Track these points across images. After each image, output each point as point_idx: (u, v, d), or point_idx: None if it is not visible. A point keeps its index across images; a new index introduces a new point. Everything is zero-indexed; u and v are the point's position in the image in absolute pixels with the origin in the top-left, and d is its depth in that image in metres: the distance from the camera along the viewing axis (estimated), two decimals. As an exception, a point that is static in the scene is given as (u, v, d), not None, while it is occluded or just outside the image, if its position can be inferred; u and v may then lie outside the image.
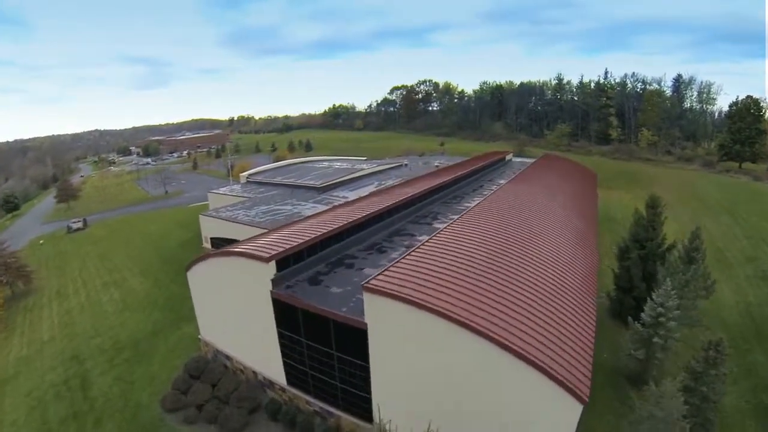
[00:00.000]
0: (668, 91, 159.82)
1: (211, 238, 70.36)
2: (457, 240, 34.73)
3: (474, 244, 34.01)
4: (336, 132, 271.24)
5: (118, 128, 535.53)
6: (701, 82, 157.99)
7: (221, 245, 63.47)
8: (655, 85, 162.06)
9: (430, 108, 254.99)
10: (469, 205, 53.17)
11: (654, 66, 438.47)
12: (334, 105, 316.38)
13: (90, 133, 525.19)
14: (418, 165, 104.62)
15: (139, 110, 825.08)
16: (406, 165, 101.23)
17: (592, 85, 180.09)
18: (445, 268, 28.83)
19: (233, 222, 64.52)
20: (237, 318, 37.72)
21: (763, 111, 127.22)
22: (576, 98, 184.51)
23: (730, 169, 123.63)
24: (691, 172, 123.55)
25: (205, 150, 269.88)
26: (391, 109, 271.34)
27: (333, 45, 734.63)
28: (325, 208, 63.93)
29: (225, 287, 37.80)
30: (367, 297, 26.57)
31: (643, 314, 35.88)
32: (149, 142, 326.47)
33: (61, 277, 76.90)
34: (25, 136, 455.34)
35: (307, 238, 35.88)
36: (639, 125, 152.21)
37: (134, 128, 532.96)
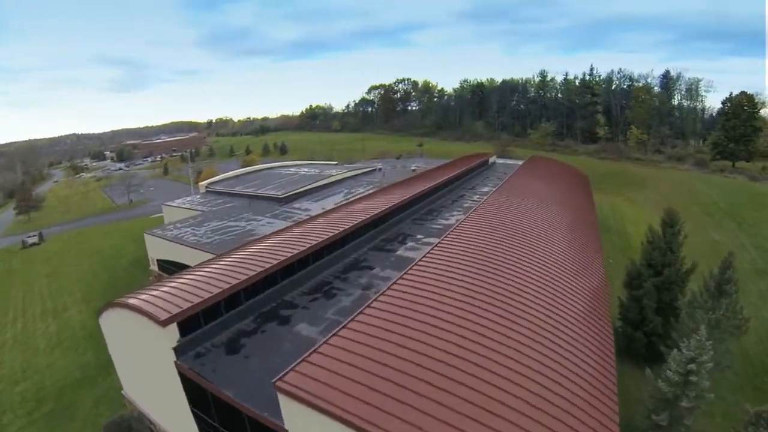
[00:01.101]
0: (656, 88, 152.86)
1: (158, 260, 61.07)
2: (422, 292, 25.38)
3: (446, 299, 24.51)
4: (313, 133, 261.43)
5: (96, 131, 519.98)
6: (689, 79, 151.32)
7: (168, 268, 56.54)
8: (643, 82, 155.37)
9: (409, 107, 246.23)
10: (446, 222, 44.54)
11: (633, 64, 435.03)
12: (311, 106, 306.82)
13: (67, 137, 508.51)
14: (394, 169, 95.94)
15: (118, 113, 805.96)
16: (379, 169, 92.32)
17: (577, 82, 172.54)
18: (400, 349, 19.89)
19: (177, 243, 55.27)
20: (152, 381, 28.88)
21: (758, 108, 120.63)
22: (560, 96, 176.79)
23: (724, 168, 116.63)
24: (684, 173, 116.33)
25: (179, 154, 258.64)
26: (369, 109, 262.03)
27: (312, 45, 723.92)
28: (282, 224, 55.51)
29: (135, 345, 29.03)
30: (282, 399, 17.72)
31: (669, 371, 27.08)
32: (123, 147, 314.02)
33: (2, 302, 68.27)
34: (1, 141, 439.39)
35: (228, 286, 26.74)
36: (627, 123, 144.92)
37: (113, 131, 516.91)
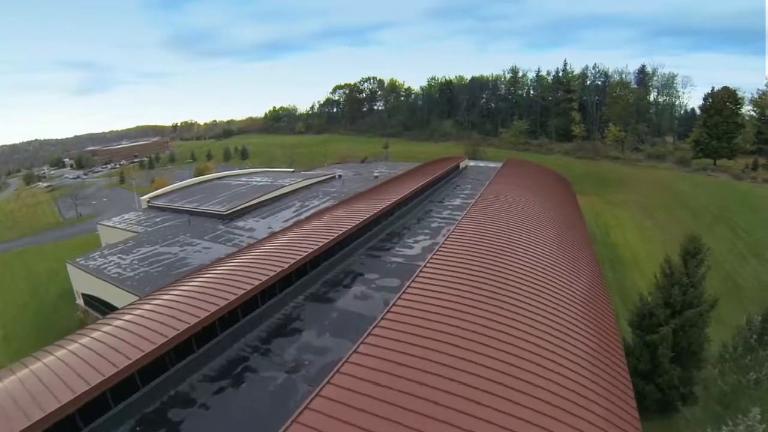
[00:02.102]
0: (633, 84, 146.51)
1: (83, 294, 51.46)
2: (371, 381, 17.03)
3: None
4: (276, 136, 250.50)
5: (59, 137, 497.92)
6: (665, 74, 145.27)
7: (94, 305, 48.59)
8: (617, 77, 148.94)
9: (376, 107, 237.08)
10: (409, 252, 35.62)
11: (602, 61, 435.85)
12: (274, 108, 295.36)
13: (29, 143, 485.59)
14: (355, 175, 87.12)
15: (81, 117, 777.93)
16: (339, 177, 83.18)
17: (550, 78, 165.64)
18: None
19: (97, 277, 45.84)
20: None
21: (741, 104, 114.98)
22: (533, 93, 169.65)
23: (706, 167, 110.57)
24: (665, 172, 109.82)
25: (139, 160, 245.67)
26: (335, 109, 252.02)
27: (277, 46, 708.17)
28: (221, 249, 47.68)
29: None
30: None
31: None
32: (82, 153, 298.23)
33: None
34: None
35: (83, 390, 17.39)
36: (604, 121, 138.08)
37: (76, 137, 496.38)
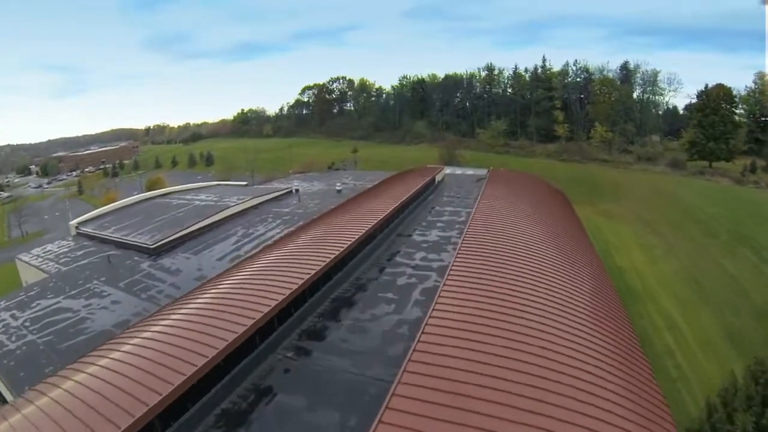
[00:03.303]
0: (617, 81, 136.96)
1: None
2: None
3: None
4: (244, 140, 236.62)
5: (32, 142, 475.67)
6: (648, 71, 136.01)
7: None
8: (599, 74, 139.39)
9: (346, 107, 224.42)
10: (357, 345, 23.34)
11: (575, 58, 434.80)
12: (242, 110, 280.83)
13: (1, 148, 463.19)
14: (314, 188, 75.44)
15: (56, 121, 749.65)
16: (296, 191, 70.97)
17: (528, 75, 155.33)
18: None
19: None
20: None
21: (736, 103, 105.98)
22: (510, 90, 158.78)
23: (702, 170, 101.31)
24: (660, 176, 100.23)
25: (106, 167, 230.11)
26: (304, 111, 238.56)
27: (253, 47, 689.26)
28: (130, 305, 36.91)
29: None
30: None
31: None
32: (48, 160, 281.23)
33: None
34: None
35: None
36: (589, 120, 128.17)
37: (49, 141, 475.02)
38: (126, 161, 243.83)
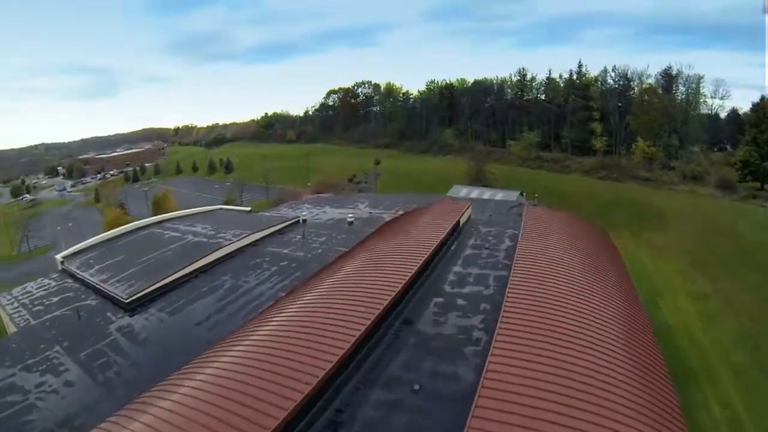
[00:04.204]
0: (659, 88, 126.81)
1: None
2: None
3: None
4: (266, 145, 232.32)
5: (65, 141, 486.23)
6: (690, 76, 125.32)
7: None
8: (637, 80, 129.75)
9: (373, 110, 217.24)
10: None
11: (599, 60, 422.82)
12: (266, 114, 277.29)
13: (36, 147, 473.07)
14: (325, 215, 68.87)
15: (88, 121, 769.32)
16: (303, 222, 64.38)
17: (562, 81, 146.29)
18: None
19: None
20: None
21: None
22: (544, 97, 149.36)
23: (756, 194, 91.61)
24: (709, 200, 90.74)
25: (130, 170, 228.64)
26: (330, 113, 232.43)
27: (278, 49, 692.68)
28: (84, 392, 30.18)
29: None
30: None
31: None
32: (74, 162, 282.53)
33: None
34: None
35: None
36: (630, 133, 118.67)
37: (82, 140, 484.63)
38: (149, 164, 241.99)
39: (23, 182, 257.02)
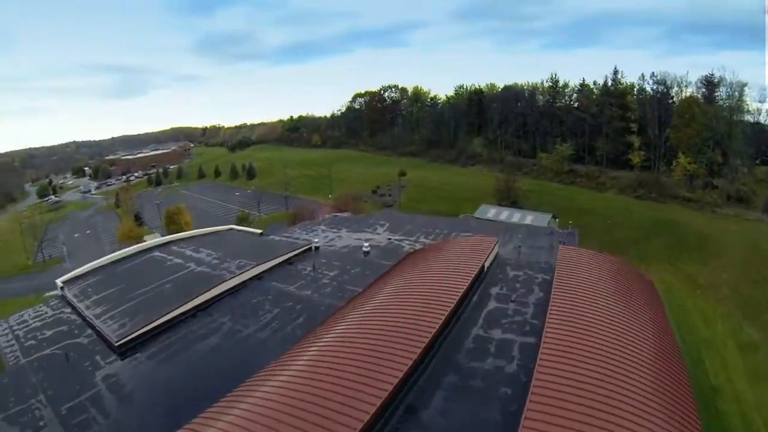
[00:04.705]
0: (700, 97, 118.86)
1: None
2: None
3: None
4: (290, 150, 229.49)
5: (95, 139, 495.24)
6: (732, 83, 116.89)
7: None
8: (677, 87, 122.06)
9: (401, 114, 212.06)
10: None
11: (629, 62, 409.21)
12: (291, 118, 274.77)
13: (67, 145, 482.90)
14: (344, 240, 65.03)
15: (119, 120, 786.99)
16: (315, 250, 60.44)
17: (597, 89, 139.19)
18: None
19: None
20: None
21: None
22: (577, 106, 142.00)
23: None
24: (758, 226, 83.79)
25: (153, 172, 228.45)
26: (356, 116, 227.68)
27: (305, 49, 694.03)
28: None
29: None
30: None
31: None
32: (100, 163, 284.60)
33: None
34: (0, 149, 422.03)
35: None
36: (669, 147, 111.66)
37: (112, 139, 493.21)
38: (173, 166, 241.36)
39: (50, 182, 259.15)
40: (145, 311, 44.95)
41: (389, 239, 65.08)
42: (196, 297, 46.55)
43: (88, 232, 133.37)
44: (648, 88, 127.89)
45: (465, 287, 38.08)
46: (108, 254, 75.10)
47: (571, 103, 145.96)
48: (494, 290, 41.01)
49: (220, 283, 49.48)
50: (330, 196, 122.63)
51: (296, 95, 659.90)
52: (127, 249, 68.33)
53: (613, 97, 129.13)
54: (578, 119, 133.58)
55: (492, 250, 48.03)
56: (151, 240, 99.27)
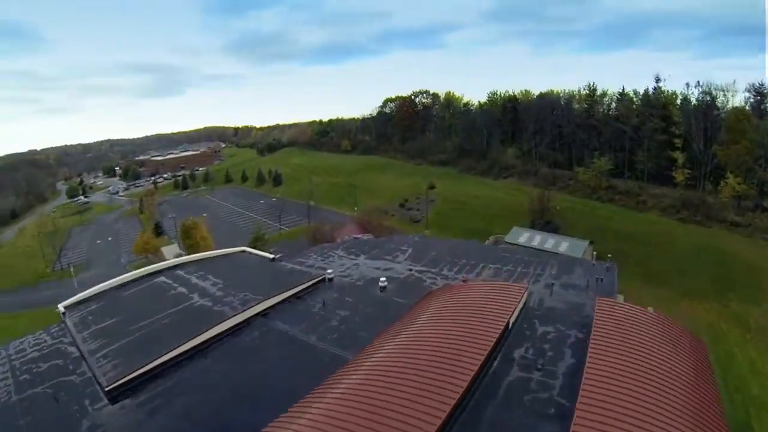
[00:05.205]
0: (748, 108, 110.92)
1: None
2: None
3: None
4: (319, 155, 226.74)
5: (129, 137, 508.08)
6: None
7: None
8: (723, 95, 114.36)
9: (433, 119, 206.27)
10: None
11: (665, 65, 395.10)
12: (321, 121, 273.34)
13: (101, 143, 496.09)
14: (361, 269, 61.03)
15: (153, 118, 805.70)
16: (328, 281, 56.66)
17: (638, 98, 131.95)
18: None
19: None
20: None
21: None
22: (617, 116, 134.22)
23: None
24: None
25: (182, 174, 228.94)
26: (387, 120, 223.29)
27: (338, 50, 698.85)
28: None
29: None
30: None
31: None
32: (130, 164, 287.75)
33: None
34: (38, 147, 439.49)
35: None
36: (716, 164, 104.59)
37: (146, 137, 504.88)
38: (201, 169, 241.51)
39: (81, 182, 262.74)
40: (140, 351, 42.16)
41: (410, 270, 61.04)
42: (195, 337, 43.64)
43: (109, 238, 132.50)
44: (692, 98, 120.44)
45: (482, 359, 33.70)
46: (125, 264, 73.20)
47: (610, 113, 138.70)
48: (518, 352, 36.52)
49: (221, 322, 46.43)
50: (355, 209, 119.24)
51: (328, 96, 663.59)
52: (132, 273, 66.24)
53: (655, 108, 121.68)
54: (617, 131, 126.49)
55: (520, 301, 43.37)
56: (168, 250, 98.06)
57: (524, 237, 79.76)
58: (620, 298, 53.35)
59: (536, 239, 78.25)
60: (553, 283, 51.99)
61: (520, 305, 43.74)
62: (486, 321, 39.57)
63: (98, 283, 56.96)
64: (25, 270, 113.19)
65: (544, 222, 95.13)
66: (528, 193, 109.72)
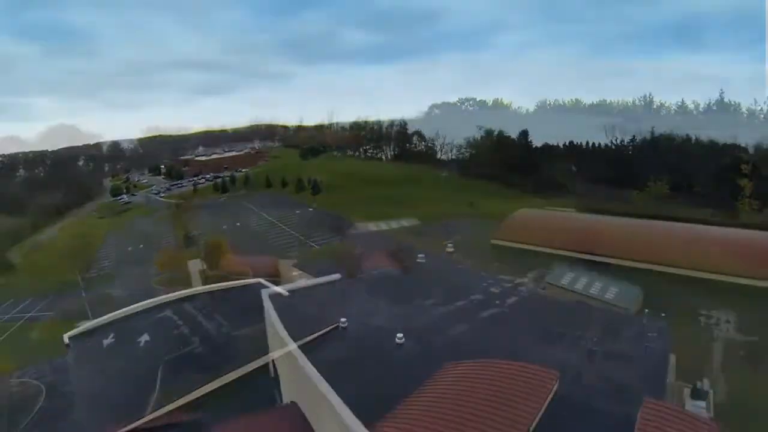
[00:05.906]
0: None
1: None
2: None
3: None
4: (361, 163, 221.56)
5: (179, 134, 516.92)
6: None
7: None
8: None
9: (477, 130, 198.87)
10: None
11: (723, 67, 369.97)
12: (366, 122, 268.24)
13: (151, 139, 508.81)
14: (382, 315, 55.61)
15: (203, 115, 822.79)
16: (342, 329, 51.67)
17: (700, 108, 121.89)
18: None
19: None
20: None
21: None
22: (676, 134, 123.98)
23: None
24: None
25: (218, 179, 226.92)
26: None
27: (387, 51, 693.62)
28: None
29: None
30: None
31: None
32: (174, 164, 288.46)
33: None
34: (91, 141, 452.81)
35: None
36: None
37: (195, 134, 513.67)
38: (244, 170, 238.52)
39: (127, 179, 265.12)
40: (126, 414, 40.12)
41: (434, 317, 56.29)
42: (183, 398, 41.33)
43: (141, 246, 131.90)
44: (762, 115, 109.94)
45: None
46: (150, 277, 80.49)
47: (666, 130, 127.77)
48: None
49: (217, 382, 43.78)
50: (391, 227, 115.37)
51: (377, 96, 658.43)
52: (141, 303, 65.89)
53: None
54: (676, 151, 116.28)
55: (549, 393, 37.38)
56: (194, 263, 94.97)
57: (567, 278, 72.78)
58: (672, 358, 46.96)
59: (581, 281, 71.19)
60: (595, 350, 46.27)
61: (551, 395, 37.77)
62: (515, 414, 34.34)
63: (116, 301, 62.42)
64: (54, 275, 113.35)
65: (590, 254, 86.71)
66: (575, 218, 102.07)
